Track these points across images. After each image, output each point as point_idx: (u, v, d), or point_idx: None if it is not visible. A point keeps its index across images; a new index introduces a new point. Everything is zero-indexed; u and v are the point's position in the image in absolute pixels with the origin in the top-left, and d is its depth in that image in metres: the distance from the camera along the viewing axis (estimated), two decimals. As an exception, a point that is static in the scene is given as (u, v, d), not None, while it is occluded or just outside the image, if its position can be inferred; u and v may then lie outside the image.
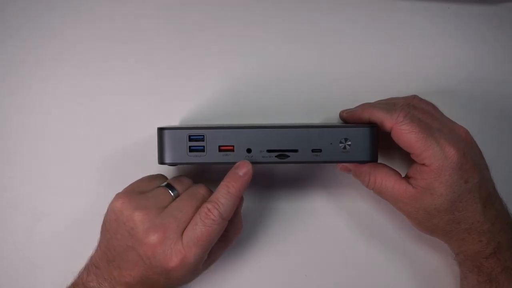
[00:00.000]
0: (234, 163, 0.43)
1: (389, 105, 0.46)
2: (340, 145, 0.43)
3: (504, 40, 0.53)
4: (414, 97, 0.48)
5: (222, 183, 0.43)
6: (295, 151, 0.43)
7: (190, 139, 0.43)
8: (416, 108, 0.45)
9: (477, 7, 0.53)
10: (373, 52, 0.53)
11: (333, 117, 0.52)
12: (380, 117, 0.44)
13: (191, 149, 0.43)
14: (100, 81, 0.52)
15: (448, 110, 0.47)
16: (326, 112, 0.52)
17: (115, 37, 0.52)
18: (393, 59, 0.53)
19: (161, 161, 0.43)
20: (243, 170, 0.43)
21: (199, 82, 0.52)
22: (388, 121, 0.43)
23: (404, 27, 0.53)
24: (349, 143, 0.43)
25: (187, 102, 0.51)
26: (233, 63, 0.52)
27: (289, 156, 0.43)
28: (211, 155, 0.43)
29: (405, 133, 0.43)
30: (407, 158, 0.46)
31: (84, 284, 0.44)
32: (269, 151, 0.43)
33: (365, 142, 0.43)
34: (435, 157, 0.42)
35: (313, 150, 0.43)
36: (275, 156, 0.43)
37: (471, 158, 0.43)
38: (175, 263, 0.41)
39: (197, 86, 0.52)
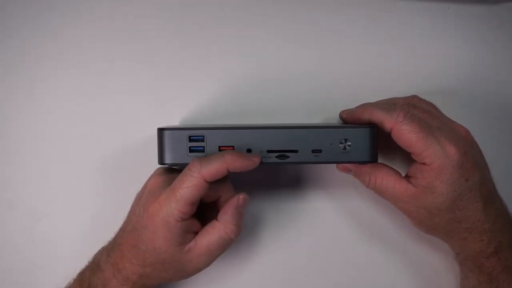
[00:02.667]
0: (234, 163, 0.43)
1: (389, 105, 0.46)
2: (340, 145, 0.43)
3: (504, 40, 0.53)
4: (414, 96, 0.48)
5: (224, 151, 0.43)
6: (295, 151, 0.43)
7: (190, 140, 0.43)
8: (416, 107, 0.45)
9: (477, 7, 0.53)
10: (373, 52, 0.53)
11: (333, 117, 0.52)
12: (380, 117, 0.44)
13: (191, 150, 0.43)
14: (100, 81, 0.52)
15: (448, 110, 0.47)
16: (326, 112, 0.52)
17: (115, 37, 0.52)
18: (393, 59, 0.53)
19: (161, 161, 0.43)
20: (252, 156, 0.42)
21: (199, 82, 0.52)
22: (388, 121, 0.43)
23: (404, 27, 0.53)
24: (349, 143, 0.43)
25: (187, 102, 0.51)
26: (233, 63, 0.52)
27: (289, 157, 0.43)
28: (211, 156, 0.43)
29: (406, 133, 0.43)
30: (407, 158, 0.46)
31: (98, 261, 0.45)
32: (269, 151, 0.43)
33: (365, 143, 0.43)
34: (436, 156, 0.42)
35: (313, 151, 0.43)
36: (275, 157, 0.43)
37: (472, 157, 0.43)
38: (149, 213, 0.42)
39: (197, 86, 0.52)
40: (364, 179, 0.46)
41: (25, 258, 0.50)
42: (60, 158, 0.51)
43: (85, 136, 0.51)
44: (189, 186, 0.41)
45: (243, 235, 0.52)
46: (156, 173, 0.46)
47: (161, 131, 0.43)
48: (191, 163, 0.41)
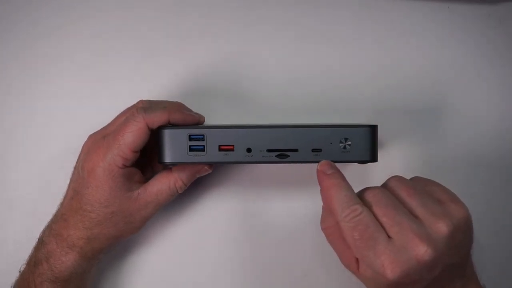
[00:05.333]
0: (234, 162, 0.43)
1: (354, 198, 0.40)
2: (340, 145, 0.43)
3: (504, 40, 0.53)
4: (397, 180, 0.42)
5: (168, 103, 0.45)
6: (295, 150, 0.43)
7: (190, 139, 0.43)
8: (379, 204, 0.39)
9: (477, 7, 0.53)
10: (373, 52, 0.53)
11: (333, 117, 0.52)
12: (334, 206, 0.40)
13: (191, 149, 0.43)
14: (101, 81, 0.52)
15: (448, 110, 0.47)
16: (326, 112, 0.52)
17: (115, 37, 0.52)
18: (393, 59, 0.53)
19: (161, 160, 0.43)
20: (194, 113, 0.46)
21: (199, 82, 0.52)
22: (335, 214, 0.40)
23: (404, 27, 0.53)
24: (349, 143, 0.43)
25: (187, 102, 0.51)
26: (233, 63, 0.52)
27: (289, 156, 0.43)
28: (211, 155, 0.43)
29: (347, 232, 0.39)
30: (407, 158, 0.46)
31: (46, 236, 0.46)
32: (269, 150, 0.43)
33: (365, 142, 0.43)
34: (367, 272, 0.40)
35: (313, 150, 0.43)
36: (275, 156, 0.43)
37: (419, 276, 0.38)
38: (89, 169, 0.43)
39: (197, 86, 0.52)
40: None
41: (25, 258, 0.50)
42: (60, 158, 0.51)
43: (85, 136, 0.51)
44: (133, 130, 0.42)
45: (243, 234, 0.52)
46: (89, 137, 0.46)
47: (161, 130, 0.43)
48: (135, 111, 0.42)
